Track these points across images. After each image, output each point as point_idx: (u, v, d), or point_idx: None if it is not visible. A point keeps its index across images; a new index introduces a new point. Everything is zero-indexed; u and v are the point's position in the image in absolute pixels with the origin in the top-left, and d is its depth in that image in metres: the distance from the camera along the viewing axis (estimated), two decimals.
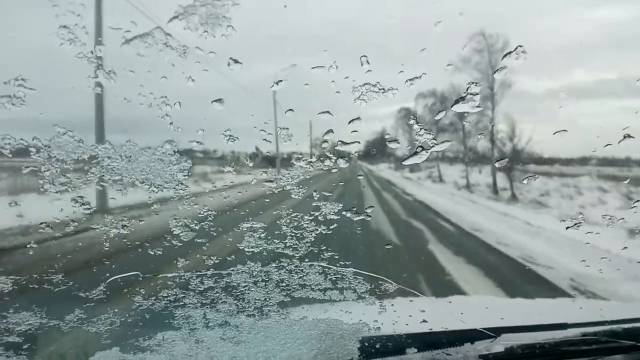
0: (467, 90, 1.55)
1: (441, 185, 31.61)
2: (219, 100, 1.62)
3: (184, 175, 1.66)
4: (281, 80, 1.67)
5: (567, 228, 2.13)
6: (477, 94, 1.54)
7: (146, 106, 1.55)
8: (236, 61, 1.59)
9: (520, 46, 1.48)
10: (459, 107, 1.56)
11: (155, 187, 1.63)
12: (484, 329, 1.80)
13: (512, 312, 2.64)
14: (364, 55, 1.63)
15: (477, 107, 1.56)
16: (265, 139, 1.77)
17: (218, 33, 1.50)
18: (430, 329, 1.85)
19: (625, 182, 21.85)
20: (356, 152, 1.88)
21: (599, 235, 2.43)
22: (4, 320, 1.67)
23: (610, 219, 2.24)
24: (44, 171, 1.54)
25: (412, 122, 1.63)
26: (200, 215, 1.83)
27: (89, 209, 1.64)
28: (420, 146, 1.65)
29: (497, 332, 1.80)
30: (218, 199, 1.98)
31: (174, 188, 1.66)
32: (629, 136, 1.82)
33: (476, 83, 1.52)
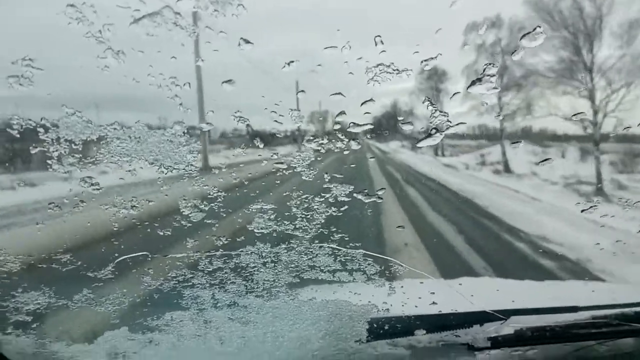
0: (483, 71, 1.52)
1: (528, 182, 18.51)
2: (229, 81, 1.59)
3: (194, 156, 1.64)
4: (293, 61, 1.64)
5: (582, 211, 2.11)
6: (494, 75, 1.51)
7: (155, 87, 1.53)
8: (247, 41, 1.56)
9: (539, 26, 1.45)
10: (476, 89, 1.53)
11: (164, 167, 1.62)
12: (493, 311, 1.80)
13: (523, 294, 2.63)
14: (378, 35, 1.60)
15: (494, 88, 1.53)
16: (276, 120, 1.74)
17: (228, 12, 1.47)
18: (440, 311, 1.85)
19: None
20: (365, 131, 1.85)
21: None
22: (13, 300, 1.67)
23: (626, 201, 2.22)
24: (53, 151, 1.53)
25: (425, 102, 1.60)
26: (209, 196, 1.82)
27: (98, 189, 1.63)
28: (434, 127, 1.63)
29: (506, 314, 1.80)
30: (228, 179, 1.97)
31: (184, 169, 1.65)
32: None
33: (493, 64, 1.49)
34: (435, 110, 1.60)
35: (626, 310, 1.85)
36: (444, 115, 1.59)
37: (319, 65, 1.83)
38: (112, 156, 1.56)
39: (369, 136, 1.89)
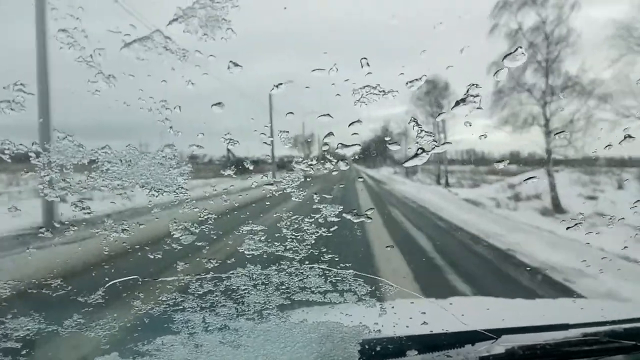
0: (467, 92, 1.55)
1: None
2: (219, 104, 1.62)
3: (184, 179, 1.66)
4: (281, 84, 1.67)
5: (568, 228, 2.14)
6: (477, 96, 1.54)
7: (146, 110, 1.55)
8: (236, 64, 1.59)
9: (520, 47, 1.49)
10: (460, 109, 1.56)
11: (155, 191, 1.63)
12: (484, 330, 1.80)
13: (513, 313, 2.64)
14: (364, 58, 1.63)
15: (478, 108, 1.56)
16: (265, 142, 1.77)
17: (218, 36, 1.50)
18: (431, 331, 1.85)
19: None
20: (353, 154, 1.87)
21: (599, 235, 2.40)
22: (2, 326, 1.66)
23: (610, 219, 2.25)
24: (44, 176, 1.53)
25: (412, 123, 1.63)
26: (200, 219, 1.83)
27: (89, 212, 1.63)
28: (420, 148, 1.65)
29: (497, 333, 1.80)
30: (218, 202, 1.98)
31: (174, 192, 1.66)
32: (630, 137, 1.82)
33: (476, 84, 1.53)
34: (421, 130, 1.63)
35: (616, 327, 1.86)
36: (430, 135, 1.62)
37: (307, 87, 1.86)
38: (103, 180, 1.57)
39: (356, 157, 1.91)
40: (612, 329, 1.85)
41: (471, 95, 1.53)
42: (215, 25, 1.46)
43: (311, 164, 1.78)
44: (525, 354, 1.74)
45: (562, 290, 6.43)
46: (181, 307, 1.79)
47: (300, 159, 1.78)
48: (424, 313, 1.94)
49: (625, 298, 5.58)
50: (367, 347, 1.71)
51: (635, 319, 1.90)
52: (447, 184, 30.80)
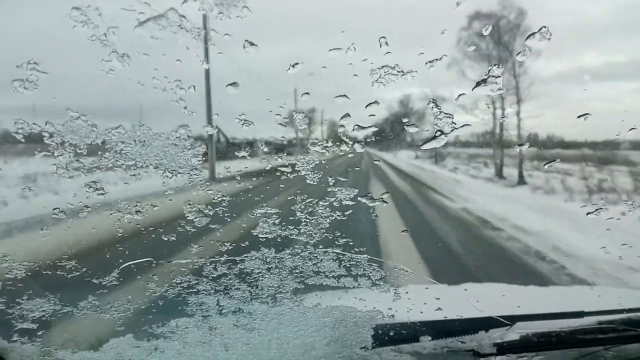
0: (488, 72, 1.52)
1: None
2: (234, 84, 1.60)
3: (199, 160, 1.64)
4: (297, 63, 1.65)
5: (588, 214, 2.10)
6: (499, 77, 1.51)
7: (160, 90, 1.53)
8: (252, 43, 1.56)
9: (545, 27, 1.45)
10: (481, 90, 1.53)
11: (169, 172, 1.62)
12: (499, 316, 1.79)
13: (529, 300, 2.62)
14: (383, 37, 1.60)
15: (499, 89, 1.53)
16: (280, 123, 1.74)
17: (233, 14, 1.47)
18: (445, 317, 1.84)
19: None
20: (368, 135, 1.84)
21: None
22: (18, 307, 1.67)
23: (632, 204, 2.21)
24: (57, 156, 1.53)
25: (430, 104, 1.60)
26: (214, 201, 1.82)
27: (103, 193, 1.63)
28: (439, 130, 1.62)
29: (512, 320, 1.79)
30: (232, 184, 1.97)
31: (188, 173, 1.65)
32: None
33: (498, 65, 1.49)
34: (440, 112, 1.60)
35: (632, 315, 1.84)
36: (449, 117, 1.59)
37: (324, 67, 1.83)
38: (116, 160, 1.56)
39: (372, 140, 1.88)
40: (628, 317, 1.83)
41: (492, 76, 1.50)
42: (231, 4, 1.44)
43: (326, 146, 1.76)
44: (539, 340, 1.73)
45: None
46: (195, 289, 1.79)
47: (316, 141, 1.76)
48: (438, 299, 1.93)
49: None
50: (380, 332, 1.71)
51: None
52: (518, 179, 21.78)
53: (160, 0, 1.42)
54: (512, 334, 1.77)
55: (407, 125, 1.76)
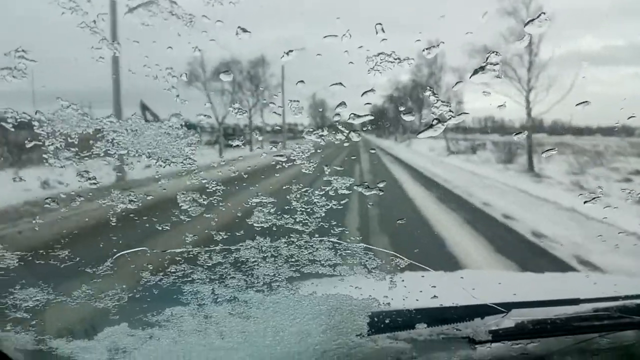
0: (486, 59, 1.49)
1: None
2: (227, 72, 1.57)
3: (192, 150, 1.63)
4: (292, 51, 1.62)
5: (585, 202, 2.10)
6: (497, 64, 1.49)
7: (152, 78, 1.50)
8: (245, 30, 1.53)
9: (544, 13, 1.42)
10: (478, 78, 1.51)
11: (162, 161, 1.60)
12: (494, 304, 1.79)
13: (524, 287, 2.63)
14: (379, 23, 1.57)
15: (497, 77, 1.51)
16: (275, 112, 1.72)
17: (225, 0, 1.44)
18: (441, 305, 1.84)
19: None
20: (365, 123, 1.82)
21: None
22: (12, 296, 1.66)
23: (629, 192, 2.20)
24: (48, 145, 1.51)
25: (427, 93, 1.58)
26: (208, 190, 1.80)
27: (95, 182, 1.61)
28: (436, 118, 1.60)
29: (507, 307, 1.79)
30: (226, 173, 1.95)
31: (182, 162, 1.63)
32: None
33: (496, 52, 1.47)
34: (437, 100, 1.58)
35: (628, 302, 1.84)
36: (446, 105, 1.57)
37: (319, 55, 1.81)
38: (109, 150, 1.54)
39: (369, 127, 1.86)
40: (624, 304, 1.83)
41: (490, 64, 1.47)
42: None
43: (322, 135, 1.74)
44: (535, 328, 1.73)
45: None
46: (190, 278, 1.79)
47: (311, 130, 1.73)
48: (434, 287, 1.93)
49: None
50: (376, 319, 1.71)
51: None
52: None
53: None
54: (508, 321, 1.77)
55: (404, 114, 1.74)
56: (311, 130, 1.72)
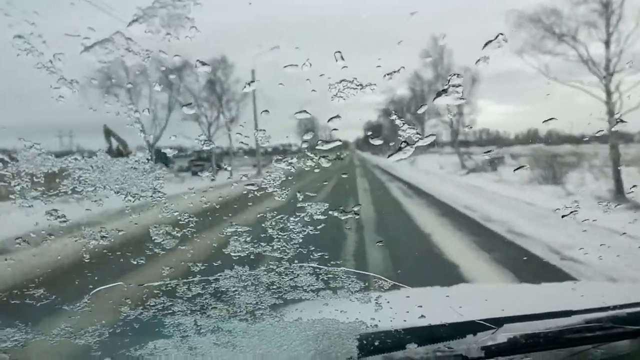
0: (448, 82, 1.48)
1: None
2: (189, 105, 1.56)
3: (161, 183, 1.61)
4: (253, 81, 1.61)
5: (563, 217, 2.08)
6: (459, 86, 1.47)
7: (114, 114, 1.49)
8: (203, 63, 1.52)
9: (502, 34, 1.41)
10: (442, 100, 1.50)
11: (131, 196, 1.58)
12: (485, 320, 1.77)
13: (512, 300, 2.60)
14: (338, 51, 1.56)
15: (461, 99, 1.49)
16: (242, 142, 1.71)
17: (182, 35, 1.43)
18: (429, 324, 1.81)
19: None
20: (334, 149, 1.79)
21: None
22: None
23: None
24: (14, 185, 1.49)
25: (393, 117, 1.57)
26: (181, 222, 1.78)
27: (65, 220, 1.59)
28: (404, 141, 1.59)
29: (498, 322, 1.77)
30: (198, 205, 1.93)
31: (151, 196, 1.61)
32: (621, 121, 1.75)
33: (458, 74, 1.46)
34: (404, 123, 1.56)
35: (619, 312, 1.82)
36: (413, 128, 1.55)
37: (281, 84, 1.80)
38: (75, 187, 1.53)
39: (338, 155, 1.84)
40: (615, 314, 1.81)
41: (453, 86, 1.46)
42: (178, 24, 1.40)
43: (291, 162, 1.73)
44: (527, 342, 1.71)
45: None
46: (171, 310, 1.76)
47: (280, 158, 1.72)
48: (421, 306, 1.90)
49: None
50: (365, 342, 1.68)
51: (637, 303, 1.86)
52: None
53: (105, 25, 1.38)
54: (500, 336, 1.75)
55: (372, 138, 1.73)
56: (280, 158, 1.71)
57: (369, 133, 1.78)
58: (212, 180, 1.79)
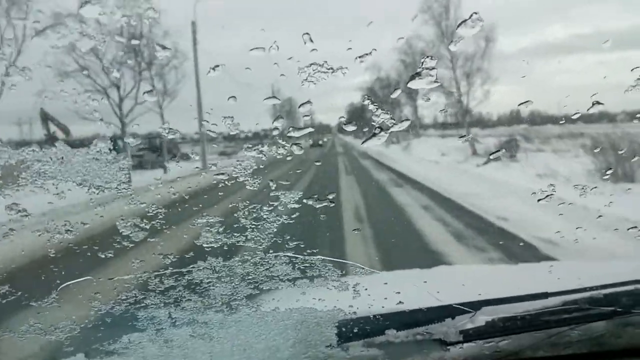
0: (422, 64, 1.44)
1: None
2: (150, 92, 1.50)
3: (126, 174, 1.55)
4: (218, 66, 1.54)
5: (539, 200, 2.07)
6: (433, 68, 1.43)
7: (71, 102, 1.42)
8: (164, 47, 1.45)
9: (476, 13, 1.37)
10: (415, 84, 1.45)
11: (95, 188, 1.52)
12: (461, 304, 1.77)
13: (489, 283, 2.61)
14: (306, 33, 1.50)
15: (435, 82, 1.45)
16: (210, 130, 1.65)
17: (138, 17, 1.36)
18: (408, 309, 1.80)
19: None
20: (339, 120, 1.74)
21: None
22: None
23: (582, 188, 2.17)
24: None
25: (366, 102, 1.52)
26: (149, 214, 1.73)
27: (26, 215, 1.52)
28: (378, 127, 1.55)
29: (476, 306, 1.77)
30: (166, 196, 1.88)
31: (116, 188, 1.55)
32: (598, 103, 1.73)
33: (431, 57, 1.41)
34: (377, 109, 1.52)
35: (595, 293, 1.82)
36: (387, 114, 1.51)
37: (247, 68, 1.74)
38: (35, 180, 1.46)
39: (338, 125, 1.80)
40: (591, 295, 1.82)
41: (426, 69, 1.41)
42: (135, 5, 1.32)
43: (262, 150, 1.68)
44: (505, 325, 1.71)
45: None
46: (144, 304, 1.72)
47: (250, 146, 1.67)
48: (399, 293, 1.89)
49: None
50: (344, 329, 1.67)
51: (613, 284, 1.87)
52: None
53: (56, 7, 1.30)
54: (478, 320, 1.75)
55: (344, 124, 1.68)
56: (250, 146, 1.66)
57: (347, 118, 1.73)
58: (164, 173, 1.73)
